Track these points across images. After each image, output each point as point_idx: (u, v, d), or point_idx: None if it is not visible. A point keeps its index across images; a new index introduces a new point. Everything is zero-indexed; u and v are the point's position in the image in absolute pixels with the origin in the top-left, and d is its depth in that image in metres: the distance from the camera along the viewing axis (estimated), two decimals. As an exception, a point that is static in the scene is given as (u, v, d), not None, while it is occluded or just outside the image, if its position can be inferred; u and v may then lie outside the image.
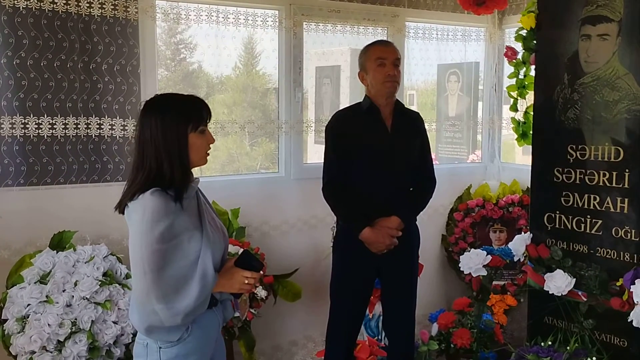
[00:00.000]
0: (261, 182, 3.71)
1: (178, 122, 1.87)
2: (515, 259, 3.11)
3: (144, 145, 1.87)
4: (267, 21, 3.54)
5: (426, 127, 3.11)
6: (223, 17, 3.39)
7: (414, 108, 4.18)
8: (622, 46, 2.63)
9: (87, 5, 2.99)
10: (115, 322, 2.73)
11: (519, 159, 4.67)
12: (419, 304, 3.08)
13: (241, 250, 2.86)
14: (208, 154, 1.97)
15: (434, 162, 3.10)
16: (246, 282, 1.92)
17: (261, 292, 3.25)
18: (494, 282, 3.52)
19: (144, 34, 3.16)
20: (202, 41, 3.47)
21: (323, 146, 3.04)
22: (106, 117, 3.09)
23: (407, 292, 3.01)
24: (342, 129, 2.92)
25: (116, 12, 3.05)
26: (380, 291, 3.14)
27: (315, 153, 3.85)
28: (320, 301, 3.38)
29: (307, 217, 3.77)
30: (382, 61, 2.84)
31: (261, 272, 1.99)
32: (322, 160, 2.99)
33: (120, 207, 1.90)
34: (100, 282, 2.71)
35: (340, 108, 3.74)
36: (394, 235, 2.83)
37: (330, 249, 3.21)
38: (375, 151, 2.87)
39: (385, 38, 3.91)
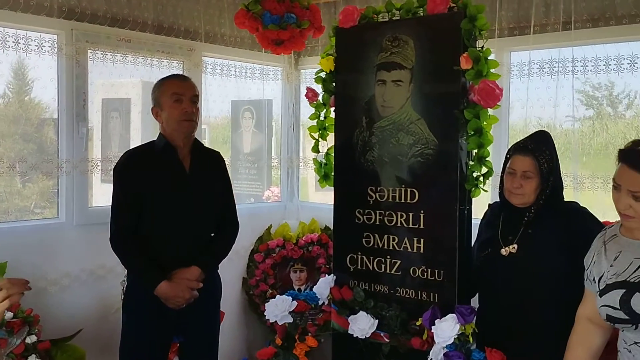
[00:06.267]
0: (36, 229, 3.19)
1: None
2: (320, 302, 3.04)
3: None
4: (44, 46, 3.10)
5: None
6: (-13, 38, 2.90)
7: (206, 142, 4.02)
8: (414, 92, 2.72)
9: None
10: None
11: (312, 197, 4.72)
12: (220, 354, 2.86)
13: None
14: None
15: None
16: None
17: (35, 362, 2.77)
18: (294, 325, 3.43)
19: None
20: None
21: (111, 187, 2.70)
22: None
23: (208, 348, 2.80)
24: (133, 171, 2.63)
25: None
26: (177, 345, 2.86)
27: (103, 195, 3.45)
28: (108, 363, 2.99)
29: (93, 268, 3.34)
30: (178, 97, 2.63)
31: None
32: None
33: None
34: None
35: (131, 145, 3.44)
36: (194, 287, 2.60)
37: (120, 302, 2.84)
38: (172, 195, 2.63)
39: (181, 72, 3.70)
